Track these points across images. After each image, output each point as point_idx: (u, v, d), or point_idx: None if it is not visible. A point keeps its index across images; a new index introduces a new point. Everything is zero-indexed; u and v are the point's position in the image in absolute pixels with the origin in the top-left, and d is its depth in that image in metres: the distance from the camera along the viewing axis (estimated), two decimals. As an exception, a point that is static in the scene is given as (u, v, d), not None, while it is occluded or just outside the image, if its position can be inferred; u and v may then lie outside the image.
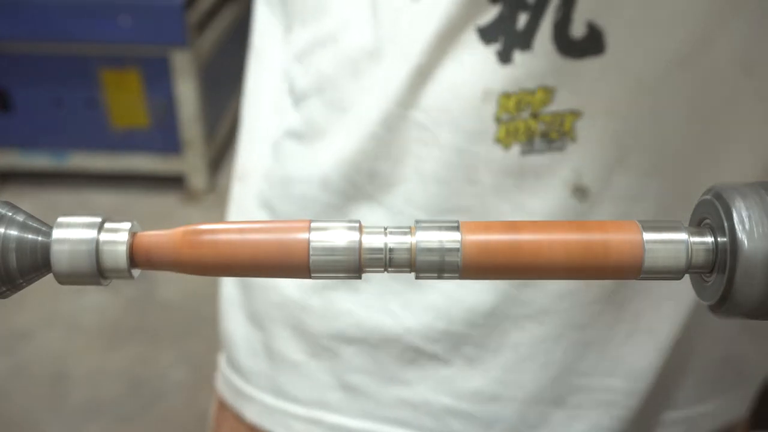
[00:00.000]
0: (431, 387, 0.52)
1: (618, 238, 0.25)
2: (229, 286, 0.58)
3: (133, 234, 0.26)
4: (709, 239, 0.25)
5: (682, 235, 0.25)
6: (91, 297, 1.73)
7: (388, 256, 0.25)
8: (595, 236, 0.25)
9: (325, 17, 0.48)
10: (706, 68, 0.45)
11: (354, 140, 0.47)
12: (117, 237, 0.25)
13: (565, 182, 0.46)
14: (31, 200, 2.01)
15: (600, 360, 0.52)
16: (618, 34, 0.43)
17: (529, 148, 0.45)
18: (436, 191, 0.47)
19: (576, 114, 0.44)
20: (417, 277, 0.26)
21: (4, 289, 0.26)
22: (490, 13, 0.43)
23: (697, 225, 0.27)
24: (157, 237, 0.26)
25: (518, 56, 0.43)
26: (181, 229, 0.26)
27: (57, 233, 0.25)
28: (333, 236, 0.25)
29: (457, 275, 0.25)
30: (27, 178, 2.11)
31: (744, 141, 0.49)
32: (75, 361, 1.60)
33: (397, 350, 0.51)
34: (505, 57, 0.43)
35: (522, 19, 0.43)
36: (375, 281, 0.50)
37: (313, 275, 0.25)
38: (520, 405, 0.52)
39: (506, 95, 0.44)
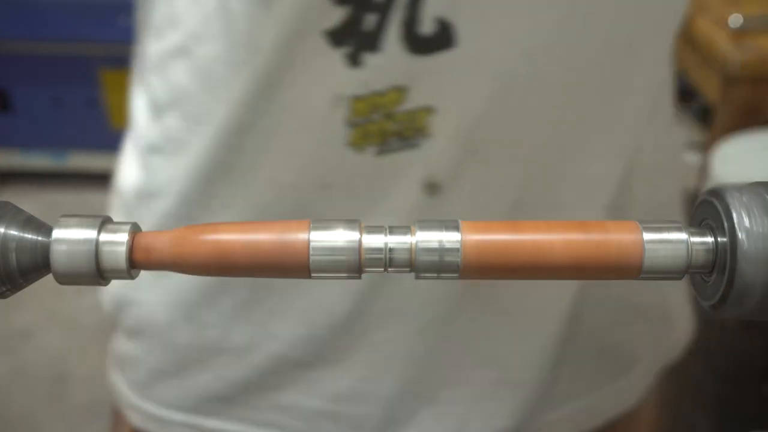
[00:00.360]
0: (301, 391, 0.52)
1: (618, 238, 0.25)
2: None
3: (133, 234, 0.26)
4: (709, 239, 0.25)
5: (682, 236, 0.25)
6: (91, 297, 1.73)
7: (388, 256, 0.25)
8: (595, 236, 0.25)
9: (178, 28, 0.47)
10: (561, 56, 0.45)
11: (208, 151, 0.46)
12: (117, 237, 0.25)
13: (418, 179, 0.45)
14: (31, 200, 2.01)
15: (466, 353, 0.52)
16: (469, 27, 0.42)
17: (383, 148, 0.44)
18: (291, 198, 0.46)
19: (429, 110, 0.44)
20: (417, 277, 0.26)
21: (4, 289, 0.25)
22: (337, 16, 0.42)
23: (697, 225, 0.27)
24: (157, 237, 0.26)
25: (368, 59, 0.42)
26: (181, 229, 0.26)
27: (57, 233, 0.25)
28: (333, 236, 0.25)
29: (457, 275, 0.25)
30: (27, 178, 2.11)
31: (606, 128, 0.48)
32: (75, 361, 1.60)
33: (264, 357, 0.51)
34: (354, 60, 0.42)
35: (369, 21, 0.41)
36: (235, 292, 0.50)
37: (313, 275, 0.25)
38: (388, 402, 0.52)
39: (357, 99, 0.43)
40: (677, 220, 0.26)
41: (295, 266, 0.25)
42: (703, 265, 0.25)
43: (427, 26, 0.42)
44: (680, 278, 0.26)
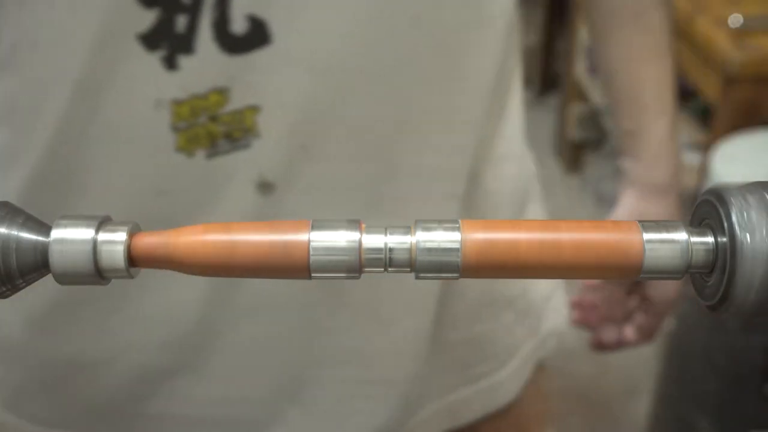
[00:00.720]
0: (167, 399, 0.52)
1: (618, 237, 0.25)
2: None
3: (131, 234, 0.26)
4: (709, 239, 0.25)
5: (682, 235, 0.25)
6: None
7: (388, 256, 0.25)
8: (595, 236, 0.25)
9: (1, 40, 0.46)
10: (378, 48, 0.44)
11: (40, 162, 0.45)
12: (115, 237, 0.25)
13: (250, 179, 0.45)
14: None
15: (327, 349, 0.52)
16: (281, 23, 0.42)
17: (213, 151, 0.44)
18: (127, 206, 0.46)
19: (255, 109, 0.43)
20: (417, 277, 0.26)
21: (4, 289, 0.25)
22: (149, 19, 0.41)
23: (697, 225, 0.27)
24: (156, 236, 0.26)
25: (183, 61, 0.42)
26: (180, 229, 0.26)
27: (56, 233, 0.25)
28: (333, 236, 0.25)
29: (457, 275, 0.25)
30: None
31: (438, 119, 0.48)
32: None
33: (127, 368, 0.51)
34: (170, 63, 0.42)
35: (180, 23, 0.41)
36: (91, 304, 0.49)
37: (313, 275, 0.25)
38: (254, 404, 0.52)
39: (178, 103, 0.42)
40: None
41: (295, 266, 0.25)
42: (703, 265, 0.25)
43: (239, 25, 0.41)
44: (680, 278, 0.26)
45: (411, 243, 0.25)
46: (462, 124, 0.49)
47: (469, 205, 0.52)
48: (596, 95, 2.34)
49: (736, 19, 1.42)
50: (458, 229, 0.25)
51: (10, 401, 0.54)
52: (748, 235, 0.24)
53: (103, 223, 0.26)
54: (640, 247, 0.25)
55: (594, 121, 2.45)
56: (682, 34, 1.53)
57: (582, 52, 2.42)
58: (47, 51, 0.43)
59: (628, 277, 0.26)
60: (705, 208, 0.26)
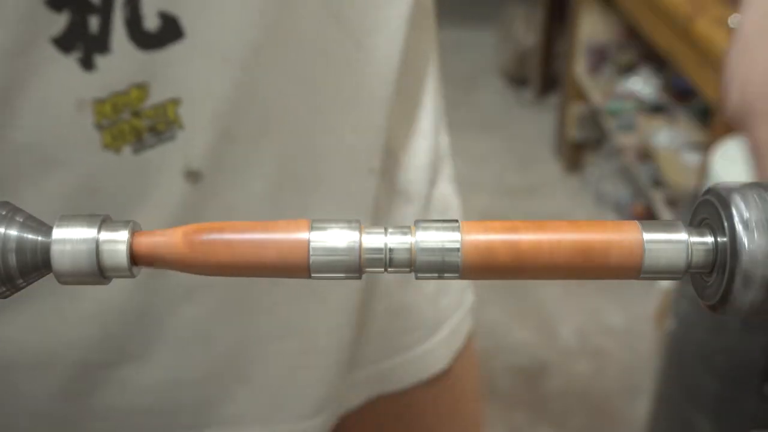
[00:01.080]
0: (112, 391, 0.52)
1: (618, 238, 0.25)
2: None
3: (133, 232, 0.26)
4: (709, 239, 0.25)
5: (682, 236, 0.25)
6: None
7: (388, 256, 0.25)
8: (595, 236, 0.25)
9: None
10: (289, 29, 0.46)
11: None
12: (117, 236, 0.25)
13: (179, 170, 0.46)
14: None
15: (268, 325, 0.53)
16: (193, 16, 0.43)
17: (140, 145, 0.45)
18: (62, 208, 0.45)
19: (175, 101, 0.45)
20: (417, 277, 0.26)
21: (3, 289, 0.25)
22: (60, 22, 0.41)
23: (697, 225, 0.27)
24: (157, 235, 0.26)
25: (100, 61, 0.42)
26: (181, 228, 0.26)
27: (57, 233, 0.25)
28: (333, 236, 0.25)
29: (457, 275, 0.25)
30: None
31: (350, 101, 0.50)
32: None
33: (66, 366, 0.51)
34: (87, 64, 0.42)
35: (94, 23, 0.42)
36: (25, 303, 0.48)
37: (313, 275, 0.25)
38: (199, 386, 0.53)
39: (99, 101, 0.43)
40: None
41: (294, 266, 0.25)
42: (703, 265, 0.25)
43: (151, 22, 0.42)
44: (680, 278, 0.26)
45: (411, 243, 0.25)
46: (371, 102, 0.51)
47: (385, 179, 0.54)
48: (596, 95, 2.34)
49: (736, 19, 1.42)
50: (458, 229, 0.25)
51: None
52: (748, 235, 0.24)
53: (104, 222, 0.26)
54: (639, 247, 0.25)
55: (594, 121, 2.45)
56: (682, 34, 1.53)
57: (582, 52, 2.42)
58: None
59: (627, 277, 0.26)
60: (705, 208, 0.26)
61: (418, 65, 0.57)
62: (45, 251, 0.25)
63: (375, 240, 0.25)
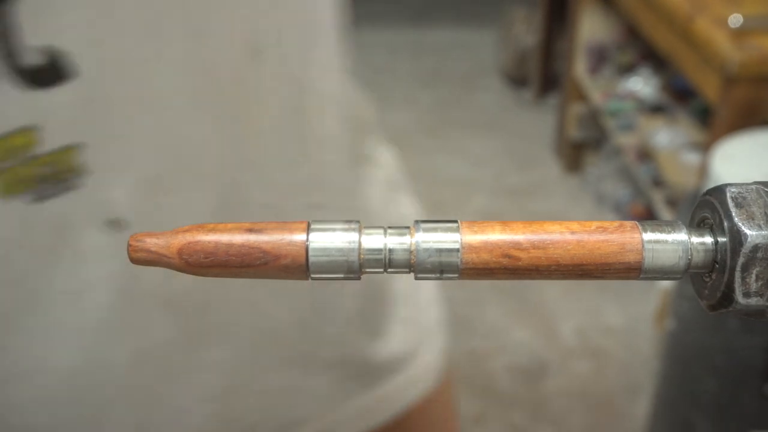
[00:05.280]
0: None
1: (618, 238, 0.25)
2: None
3: (131, 234, 0.26)
4: (709, 239, 0.25)
5: (682, 236, 0.25)
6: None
7: (387, 257, 0.25)
8: (594, 236, 0.25)
9: None
10: (200, 63, 0.43)
11: None
12: None
13: (96, 218, 0.42)
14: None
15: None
16: (85, 51, 0.38)
17: (40, 194, 0.40)
18: None
19: (78, 147, 0.40)
20: (416, 278, 0.26)
21: None
22: None
23: (697, 225, 0.27)
24: (155, 237, 0.26)
25: None
26: (178, 229, 0.26)
27: None
28: (332, 237, 0.25)
29: (456, 275, 0.25)
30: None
31: (270, 124, 0.47)
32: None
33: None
34: None
35: None
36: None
37: (312, 276, 0.25)
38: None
39: None
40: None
41: (293, 267, 0.25)
42: (703, 265, 0.25)
43: (33, 57, 0.37)
44: (680, 278, 0.26)
45: (411, 244, 0.25)
46: (290, 131, 0.49)
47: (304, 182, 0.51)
48: (596, 95, 2.34)
49: (736, 19, 1.42)
50: (458, 230, 0.25)
51: None
52: (747, 235, 0.24)
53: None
54: (639, 247, 0.25)
55: (594, 121, 2.45)
56: (682, 34, 1.53)
57: (582, 52, 2.42)
58: None
59: (628, 277, 0.26)
60: (705, 208, 0.26)
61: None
62: None
63: (374, 240, 0.25)
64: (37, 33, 0.37)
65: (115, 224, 0.43)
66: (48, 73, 0.38)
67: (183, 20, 0.41)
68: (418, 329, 0.63)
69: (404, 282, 0.61)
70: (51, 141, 0.39)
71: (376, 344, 0.59)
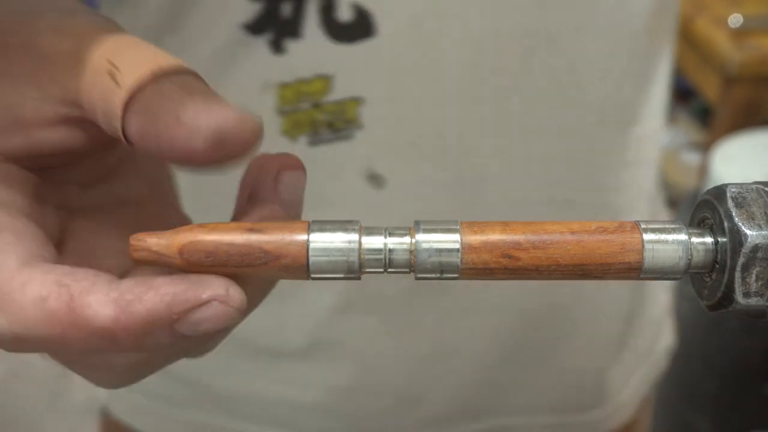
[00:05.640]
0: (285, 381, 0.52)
1: (618, 238, 0.25)
2: None
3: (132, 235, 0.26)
4: (709, 239, 0.25)
5: (682, 236, 0.25)
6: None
7: (387, 257, 0.25)
8: (595, 236, 0.25)
9: None
10: (490, 42, 0.44)
11: None
12: None
13: (358, 170, 0.45)
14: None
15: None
16: (387, 14, 0.42)
17: (316, 138, 0.44)
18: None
19: (358, 101, 0.44)
20: (417, 278, 0.26)
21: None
22: (253, 10, 0.42)
23: (697, 225, 0.27)
24: (155, 236, 0.26)
25: (291, 45, 0.42)
26: (179, 229, 0.26)
27: None
28: (332, 237, 0.25)
29: (457, 275, 0.25)
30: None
31: (536, 121, 0.47)
32: (75, 362, 1.60)
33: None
34: (277, 47, 0.42)
35: (286, 9, 0.42)
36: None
37: (312, 276, 0.25)
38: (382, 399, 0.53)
39: (284, 86, 0.43)
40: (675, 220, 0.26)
41: (294, 267, 0.25)
42: (703, 266, 0.25)
43: (344, 12, 0.41)
44: (680, 278, 0.26)
45: (411, 244, 0.25)
46: (563, 127, 0.48)
47: (579, 211, 0.50)
48: (596, 95, 2.33)
49: (736, 19, 1.42)
50: (458, 230, 0.25)
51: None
52: (747, 235, 0.24)
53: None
54: (639, 247, 0.25)
55: (594, 121, 2.45)
56: (682, 34, 1.53)
57: (582, 52, 2.42)
58: None
59: (628, 277, 0.26)
60: (705, 208, 0.26)
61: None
62: None
63: (374, 241, 0.25)
64: None
65: (376, 179, 0.45)
66: (354, 29, 0.42)
67: None
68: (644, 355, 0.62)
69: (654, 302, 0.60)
70: (338, 91, 0.43)
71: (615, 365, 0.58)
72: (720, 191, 0.25)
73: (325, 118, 0.44)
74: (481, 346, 0.52)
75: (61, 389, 1.54)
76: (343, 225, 0.25)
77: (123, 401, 0.56)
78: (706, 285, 0.26)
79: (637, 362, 0.60)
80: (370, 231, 0.25)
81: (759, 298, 0.24)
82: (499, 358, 0.53)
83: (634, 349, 0.59)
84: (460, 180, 0.47)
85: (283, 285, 0.49)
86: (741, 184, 0.25)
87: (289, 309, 0.50)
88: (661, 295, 0.62)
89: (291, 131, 0.44)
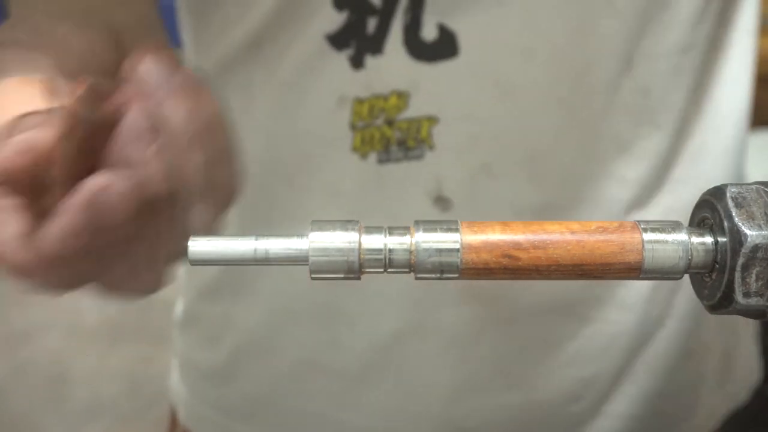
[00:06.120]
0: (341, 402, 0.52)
1: (618, 238, 0.25)
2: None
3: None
4: (709, 239, 0.25)
5: (682, 236, 0.25)
6: (91, 297, 1.73)
7: (387, 257, 0.25)
8: (595, 236, 0.25)
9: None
10: (575, 65, 0.43)
11: None
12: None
13: (426, 191, 0.45)
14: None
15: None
16: (471, 35, 0.42)
17: (385, 156, 0.44)
18: (303, 204, 0.46)
19: (432, 120, 0.43)
20: (416, 278, 0.26)
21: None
22: (338, 21, 0.42)
23: (697, 225, 0.26)
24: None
25: (370, 61, 0.42)
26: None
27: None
28: (332, 237, 0.25)
29: (457, 275, 0.25)
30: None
31: (625, 141, 0.47)
32: (75, 361, 1.60)
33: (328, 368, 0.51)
34: (357, 62, 0.42)
35: (371, 24, 0.42)
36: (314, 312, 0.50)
37: (312, 276, 0.25)
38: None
39: (359, 101, 0.43)
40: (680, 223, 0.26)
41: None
42: (703, 265, 0.25)
43: (429, 32, 0.42)
44: (680, 278, 0.26)
45: (410, 244, 0.25)
46: (645, 153, 0.47)
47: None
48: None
49: (735, 19, 1.41)
50: (458, 230, 0.25)
51: (192, 382, 0.55)
52: (747, 235, 0.24)
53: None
54: (639, 247, 0.25)
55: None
56: (682, 33, 1.53)
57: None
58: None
59: (628, 277, 0.26)
60: (705, 208, 0.26)
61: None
62: None
63: (374, 240, 0.25)
64: (434, 9, 0.41)
65: (443, 202, 0.45)
66: (437, 48, 0.42)
67: (565, 19, 0.43)
68: None
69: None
70: (413, 109, 0.43)
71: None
72: (719, 191, 0.25)
73: (398, 135, 0.44)
74: (553, 385, 0.51)
75: (61, 389, 1.54)
76: (343, 224, 0.25)
77: (188, 409, 0.56)
78: (706, 285, 0.26)
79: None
80: (370, 231, 0.25)
81: (759, 297, 0.24)
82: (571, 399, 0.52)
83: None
84: (529, 204, 0.46)
85: (348, 307, 0.49)
86: (741, 184, 0.25)
87: (351, 330, 0.50)
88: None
89: (362, 147, 0.44)
